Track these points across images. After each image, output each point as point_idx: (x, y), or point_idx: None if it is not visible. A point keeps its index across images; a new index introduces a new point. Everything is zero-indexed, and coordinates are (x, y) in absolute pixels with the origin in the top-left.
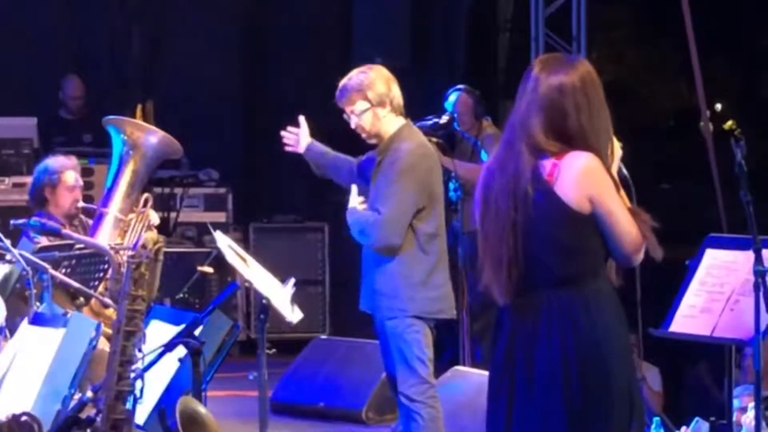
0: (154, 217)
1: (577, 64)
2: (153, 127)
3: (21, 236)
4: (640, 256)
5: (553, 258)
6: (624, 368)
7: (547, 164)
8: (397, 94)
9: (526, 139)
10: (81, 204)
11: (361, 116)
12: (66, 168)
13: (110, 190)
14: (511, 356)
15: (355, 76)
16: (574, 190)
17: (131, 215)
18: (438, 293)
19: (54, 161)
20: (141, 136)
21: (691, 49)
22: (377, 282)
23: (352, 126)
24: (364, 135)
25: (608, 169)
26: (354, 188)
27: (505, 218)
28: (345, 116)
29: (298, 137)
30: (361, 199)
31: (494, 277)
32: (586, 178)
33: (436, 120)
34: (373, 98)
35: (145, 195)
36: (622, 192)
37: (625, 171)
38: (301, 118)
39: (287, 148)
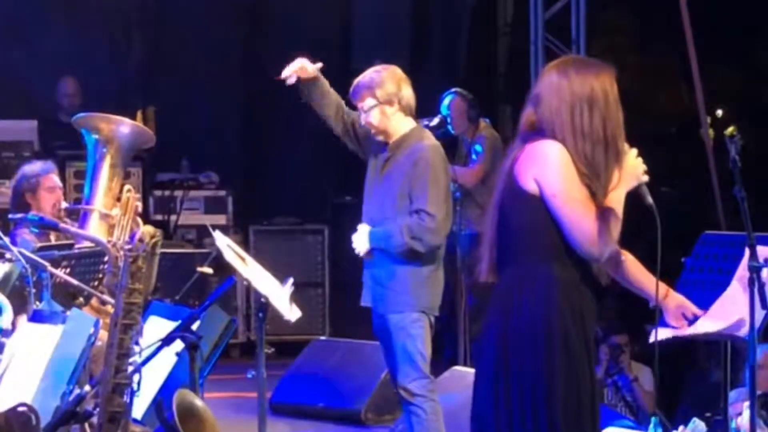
0: (138, 204)
1: (598, 72)
2: (122, 118)
3: (12, 232)
4: (598, 251)
5: (510, 236)
6: (544, 357)
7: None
8: (407, 94)
9: (521, 126)
10: (64, 205)
11: (369, 112)
12: (44, 171)
13: (92, 188)
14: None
15: (368, 75)
16: (522, 169)
17: (116, 209)
18: (438, 290)
19: (30, 167)
20: (113, 129)
21: (690, 55)
22: (385, 277)
23: (362, 122)
24: (372, 131)
25: (589, 164)
26: (363, 226)
27: (495, 198)
28: (358, 112)
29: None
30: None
31: (484, 255)
32: (534, 159)
33: (426, 122)
34: (381, 96)
35: (126, 186)
36: (617, 200)
37: (650, 199)
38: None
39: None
